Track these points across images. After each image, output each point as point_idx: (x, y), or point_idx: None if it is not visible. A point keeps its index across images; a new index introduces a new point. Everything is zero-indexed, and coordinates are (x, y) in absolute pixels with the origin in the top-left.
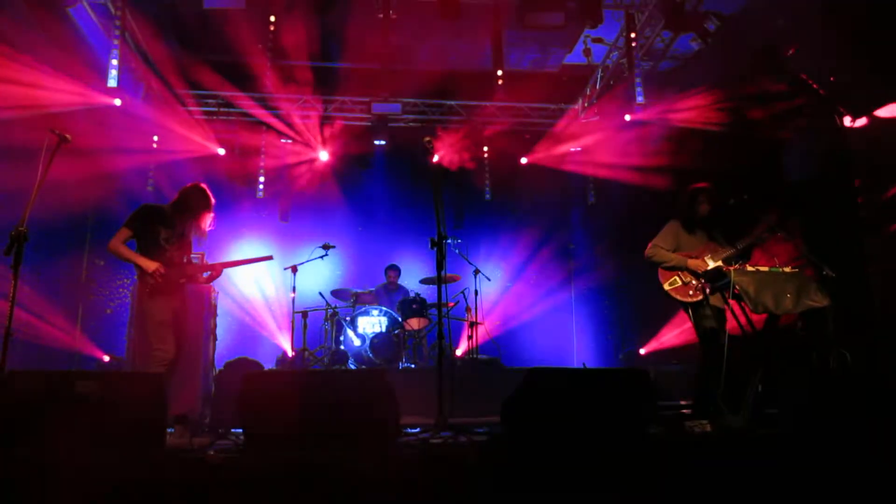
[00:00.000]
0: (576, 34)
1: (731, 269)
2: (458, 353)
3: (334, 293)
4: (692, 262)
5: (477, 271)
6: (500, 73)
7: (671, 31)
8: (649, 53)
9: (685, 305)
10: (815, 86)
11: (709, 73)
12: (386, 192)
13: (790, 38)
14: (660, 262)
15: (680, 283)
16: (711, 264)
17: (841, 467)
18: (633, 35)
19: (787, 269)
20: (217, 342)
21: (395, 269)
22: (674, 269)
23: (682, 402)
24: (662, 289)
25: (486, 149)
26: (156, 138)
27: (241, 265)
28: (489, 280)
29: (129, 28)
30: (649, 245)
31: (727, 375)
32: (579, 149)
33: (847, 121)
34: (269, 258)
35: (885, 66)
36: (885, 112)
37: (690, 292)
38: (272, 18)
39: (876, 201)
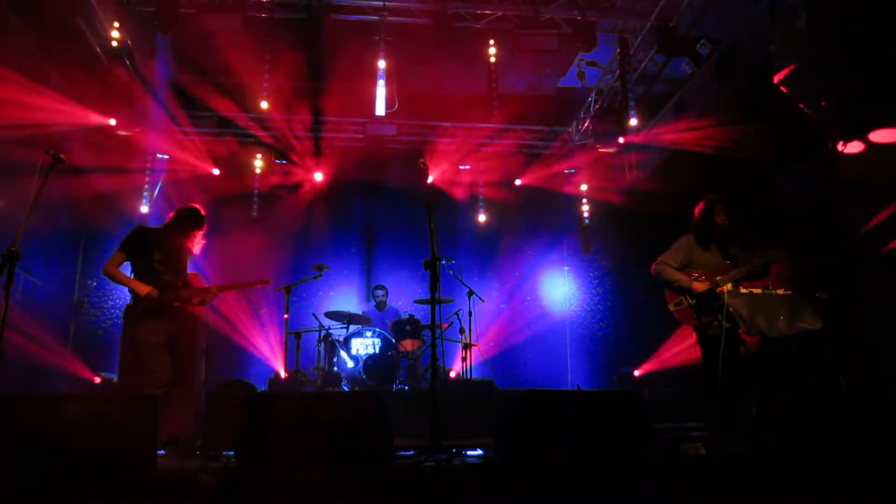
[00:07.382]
0: (570, 58)
1: (724, 290)
2: (452, 374)
3: (328, 314)
4: (696, 285)
5: (471, 292)
6: (495, 95)
7: (664, 55)
8: (643, 77)
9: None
10: (806, 109)
11: (701, 96)
12: (381, 213)
13: (781, 62)
14: (666, 281)
15: (685, 304)
16: (721, 283)
17: (838, 489)
18: (626, 59)
19: (780, 292)
20: (209, 363)
21: (381, 288)
22: (678, 291)
23: (689, 425)
24: (669, 308)
25: (480, 170)
26: (150, 158)
27: (236, 288)
28: (483, 301)
29: (125, 47)
30: (657, 260)
31: (724, 397)
32: (574, 171)
33: (840, 146)
34: (266, 282)
35: (877, 90)
36: (877, 136)
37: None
38: (269, 39)
39: (869, 224)
